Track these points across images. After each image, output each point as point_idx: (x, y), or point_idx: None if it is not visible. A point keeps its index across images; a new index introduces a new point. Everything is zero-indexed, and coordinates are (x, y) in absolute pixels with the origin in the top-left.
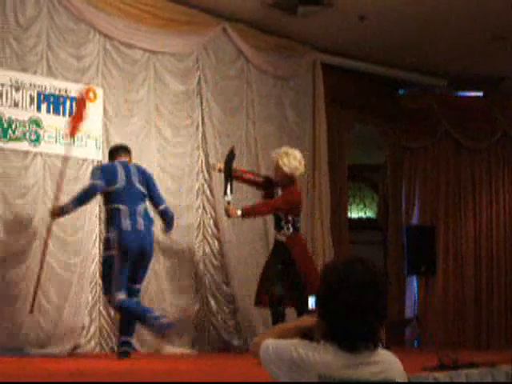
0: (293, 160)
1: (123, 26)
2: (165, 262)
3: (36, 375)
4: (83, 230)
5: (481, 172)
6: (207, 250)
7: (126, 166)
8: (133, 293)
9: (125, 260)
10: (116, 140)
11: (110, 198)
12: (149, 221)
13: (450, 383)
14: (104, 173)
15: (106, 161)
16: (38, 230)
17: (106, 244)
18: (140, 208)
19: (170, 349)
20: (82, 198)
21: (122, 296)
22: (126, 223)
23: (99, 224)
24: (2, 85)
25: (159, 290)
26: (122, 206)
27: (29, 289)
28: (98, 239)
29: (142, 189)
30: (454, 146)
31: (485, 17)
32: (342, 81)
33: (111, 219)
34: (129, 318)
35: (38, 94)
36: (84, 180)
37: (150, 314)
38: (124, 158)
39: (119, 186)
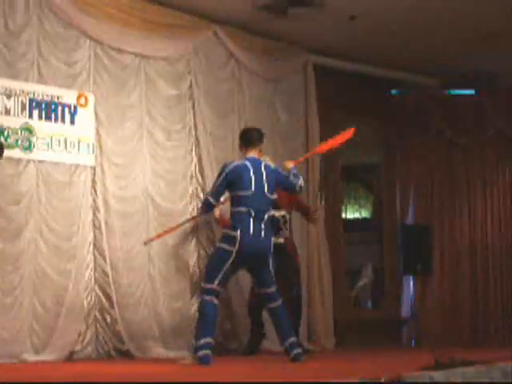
0: None
1: (113, 31)
2: (160, 266)
3: (34, 381)
4: (77, 235)
5: (474, 169)
6: (202, 253)
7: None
8: (268, 298)
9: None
10: (109, 145)
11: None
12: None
13: (446, 383)
14: None
15: (98, 167)
16: (32, 236)
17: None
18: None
19: (165, 352)
20: None
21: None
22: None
23: (93, 230)
24: None
25: (155, 293)
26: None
27: (24, 296)
28: (92, 245)
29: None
30: (447, 144)
31: (476, 14)
32: (333, 81)
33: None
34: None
35: (30, 101)
36: (77, 186)
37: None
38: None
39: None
